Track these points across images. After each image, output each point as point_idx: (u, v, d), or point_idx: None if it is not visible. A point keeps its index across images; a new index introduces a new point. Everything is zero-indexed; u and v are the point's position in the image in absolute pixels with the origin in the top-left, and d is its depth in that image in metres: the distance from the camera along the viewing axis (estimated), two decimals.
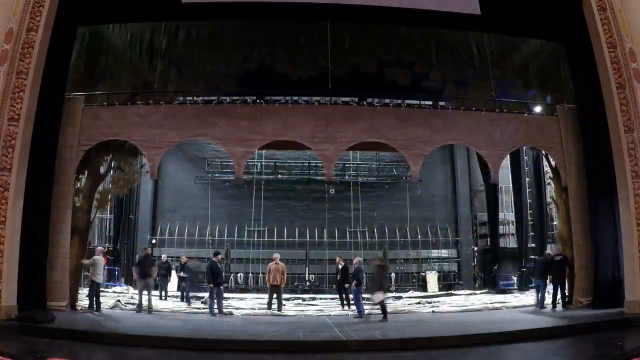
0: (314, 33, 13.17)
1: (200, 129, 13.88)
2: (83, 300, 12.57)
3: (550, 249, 19.41)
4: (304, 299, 15.99)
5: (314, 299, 16.09)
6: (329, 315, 12.64)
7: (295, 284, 19.40)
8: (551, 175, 15.54)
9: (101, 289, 13.07)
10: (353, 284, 12.63)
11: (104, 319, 11.04)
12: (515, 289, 18.24)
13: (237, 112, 14.04)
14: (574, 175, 13.51)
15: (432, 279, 19.14)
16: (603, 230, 12.52)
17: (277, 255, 13.87)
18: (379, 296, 11.20)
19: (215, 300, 12.32)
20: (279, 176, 22.19)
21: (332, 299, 15.80)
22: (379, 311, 11.24)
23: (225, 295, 15.64)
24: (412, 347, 8.35)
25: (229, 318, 12.05)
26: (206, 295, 13.98)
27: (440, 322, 11.09)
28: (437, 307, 13.77)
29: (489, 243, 21.44)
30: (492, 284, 19.25)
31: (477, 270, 20.55)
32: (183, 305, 14.24)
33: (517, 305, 13.80)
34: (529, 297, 15.04)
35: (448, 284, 20.38)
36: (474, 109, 14.97)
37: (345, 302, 13.91)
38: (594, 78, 11.94)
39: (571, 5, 12.20)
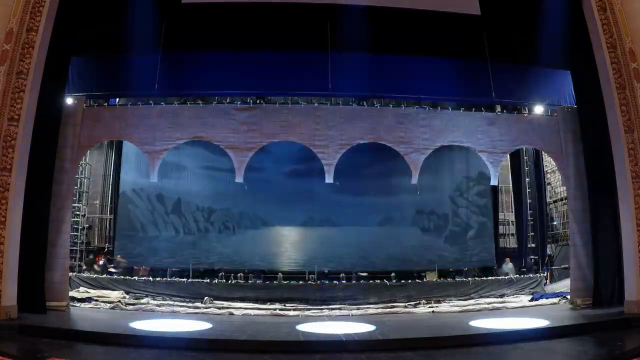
0: (314, 33, 13.18)
1: (201, 130, 13.92)
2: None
3: (550, 250, 19.50)
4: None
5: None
6: (329, 315, 12.66)
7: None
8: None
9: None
10: None
11: (105, 319, 11.03)
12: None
13: (237, 113, 14.09)
14: (573, 175, 13.54)
15: (431, 278, 19.07)
16: (603, 230, 12.53)
17: None
18: None
19: None
20: None
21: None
22: None
23: (225, 295, 15.69)
24: (412, 347, 8.36)
25: (229, 318, 12.07)
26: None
27: (440, 322, 11.09)
28: (437, 307, 13.78)
29: None
30: None
31: (477, 270, 20.47)
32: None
33: (517, 305, 13.80)
34: (528, 297, 15.05)
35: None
36: (473, 109, 15.03)
37: None
38: (593, 78, 11.94)
39: (571, 6, 12.22)
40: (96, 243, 20.42)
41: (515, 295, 15.96)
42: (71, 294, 13.34)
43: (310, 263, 17.74)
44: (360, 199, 18.68)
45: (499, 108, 16.06)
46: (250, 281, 16.03)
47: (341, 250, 18.43)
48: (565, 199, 15.80)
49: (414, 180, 14.28)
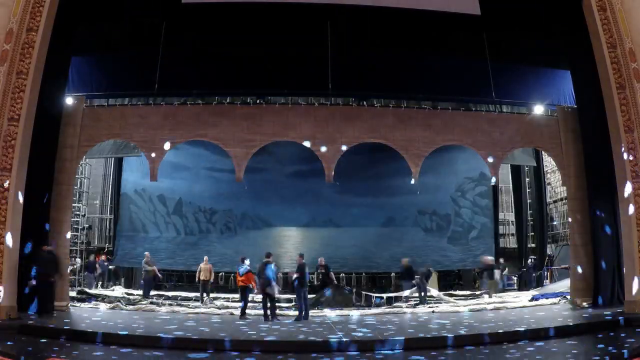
0: (314, 33, 13.18)
1: (201, 130, 13.92)
2: None
3: (550, 250, 19.51)
4: None
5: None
6: (329, 315, 12.65)
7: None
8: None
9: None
10: None
11: (105, 319, 11.03)
12: (515, 289, 18.25)
13: (237, 113, 14.12)
14: (574, 175, 13.55)
15: (431, 279, 19.11)
16: (603, 230, 12.52)
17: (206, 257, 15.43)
18: None
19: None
20: None
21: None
22: None
23: (225, 295, 15.71)
24: (412, 347, 8.35)
25: (229, 318, 12.08)
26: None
27: (440, 322, 11.08)
28: (438, 307, 13.77)
29: None
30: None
31: (476, 270, 20.51)
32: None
33: (517, 305, 13.79)
34: (529, 297, 15.05)
35: (448, 284, 20.32)
36: (473, 109, 15.03)
37: None
38: (593, 78, 11.94)
39: (571, 5, 12.22)
40: (96, 243, 20.47)
41: (515, 295, 15.96)
42: (71, 294, 13.36)
43: (314, 264, 17.72)
44: (362, 200, 18.69)
45: (499, 108, 16.06)
46: None
47: (344, 251, 18.43)
48: (565, 199, 15.80)
49: (415, 180, 14.28)
